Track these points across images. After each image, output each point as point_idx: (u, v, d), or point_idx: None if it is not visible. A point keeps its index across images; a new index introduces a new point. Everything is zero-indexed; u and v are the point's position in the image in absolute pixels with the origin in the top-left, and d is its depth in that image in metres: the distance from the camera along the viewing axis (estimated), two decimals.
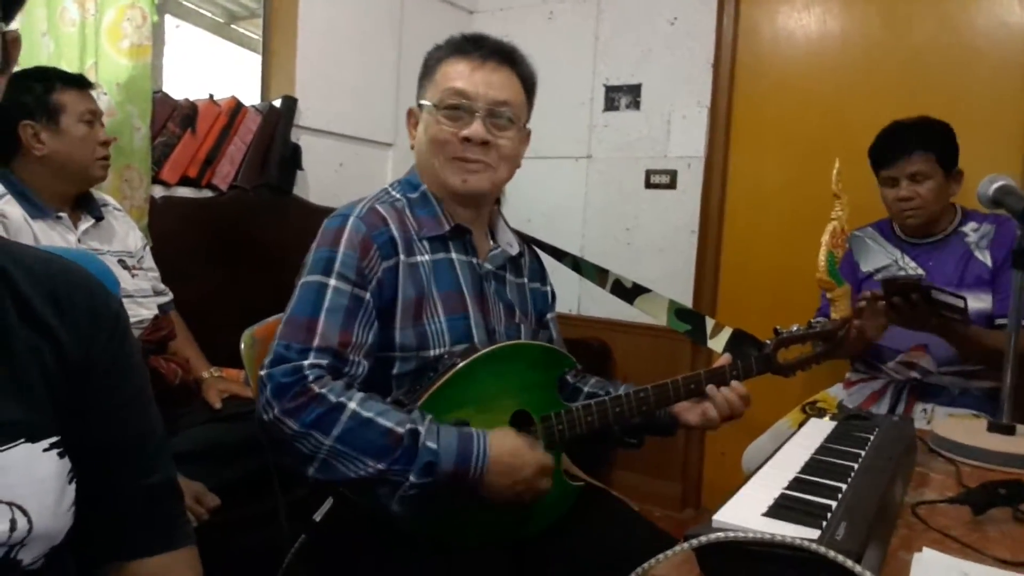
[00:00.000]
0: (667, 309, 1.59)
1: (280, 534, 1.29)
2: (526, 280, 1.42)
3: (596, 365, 2.97)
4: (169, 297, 2.03)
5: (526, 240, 1.49)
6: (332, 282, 1.14)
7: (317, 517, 1.12)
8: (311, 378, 1.07)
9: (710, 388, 1.31)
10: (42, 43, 2.00)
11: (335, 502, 1.12)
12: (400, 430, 1.06)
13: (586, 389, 1.44)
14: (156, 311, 1.92)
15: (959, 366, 1.93)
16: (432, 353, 1.19)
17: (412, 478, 1.05)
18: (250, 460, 1.70)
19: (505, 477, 1.10)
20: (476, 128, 1.23)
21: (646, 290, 1.60)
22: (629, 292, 1.61)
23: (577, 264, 1.60)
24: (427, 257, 1.24)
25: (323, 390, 1.07)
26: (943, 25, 2.61)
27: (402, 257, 1.20)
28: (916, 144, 1.94)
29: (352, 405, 1.07)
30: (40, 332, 0.72)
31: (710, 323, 1.57)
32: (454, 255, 1.28)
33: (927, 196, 1.95)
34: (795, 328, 1.42)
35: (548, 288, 1.49)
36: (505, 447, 1.10)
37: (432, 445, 1.06)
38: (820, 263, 1.44)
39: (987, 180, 1.32)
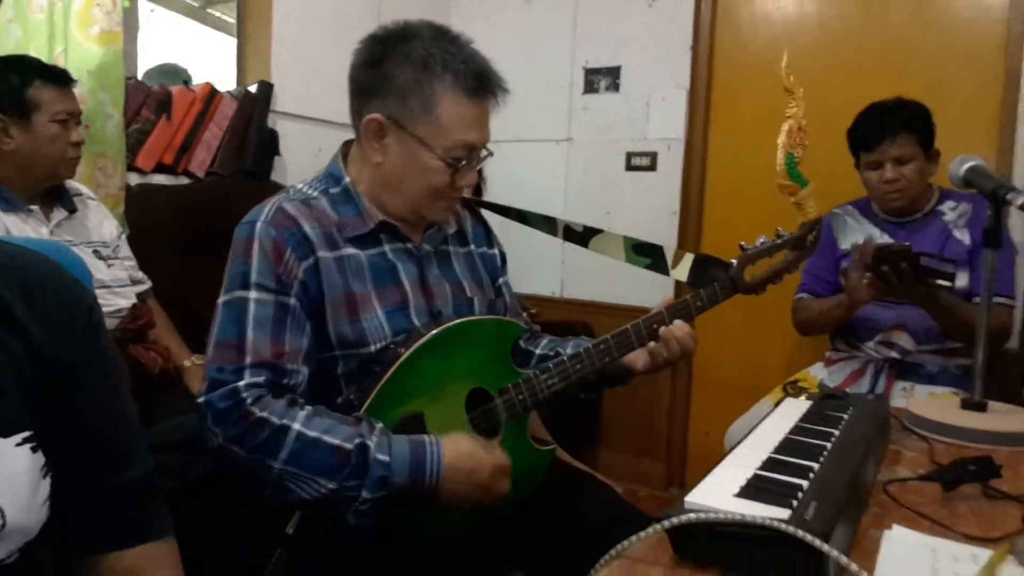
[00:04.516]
0: (623, 246, 1.56)
1: (262, 524, 1.29)
2: (472, 247, 1.38)
3: None
4: (147, 285, 2.01)
5: (466, 203, 1.43)
6: (252, 294, 1.10)
7: (289, 530, 1.11)
8: (250, 400, 1.04)
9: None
10: (9, 30, 1.96)
11: (304, 513, 1.11)
12: (348, 446, 1.04)
13: (538, 352, 1.41)
14: (134, 300, 1.90)
15: (938, 344, 1.95)
16: (373, 348, 1.15)
17: (365, 493, 1.04)
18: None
19: (462, 484, 1.08)
20: (473, 177, 1.22)
21: (598, 231, 1.57)
22: (582, 236, 1.58)
23: (523, 216, 1.57)
24: (353, 250, 1.19)
25: (264, 413, 1.04)
26: (920, 6, 2.61)
27: (320, 253, 1.14)
28: (899, 127, 1.96)
29: (296, 426, 1.04)
30: (10, 327, 0.72)
31: (669, 252, 1.53)
32: (386, 247, 1.23)
33: (912, 177, 1.97)
34: (761, 241, 1.38)
35: (496, 250, 1.43)
36: (460, 451, 1.08)
37: (383, 458, 1.04)
38: (779, 165, 1.36)
39: (958, 160, 1.33)
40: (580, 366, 1.25)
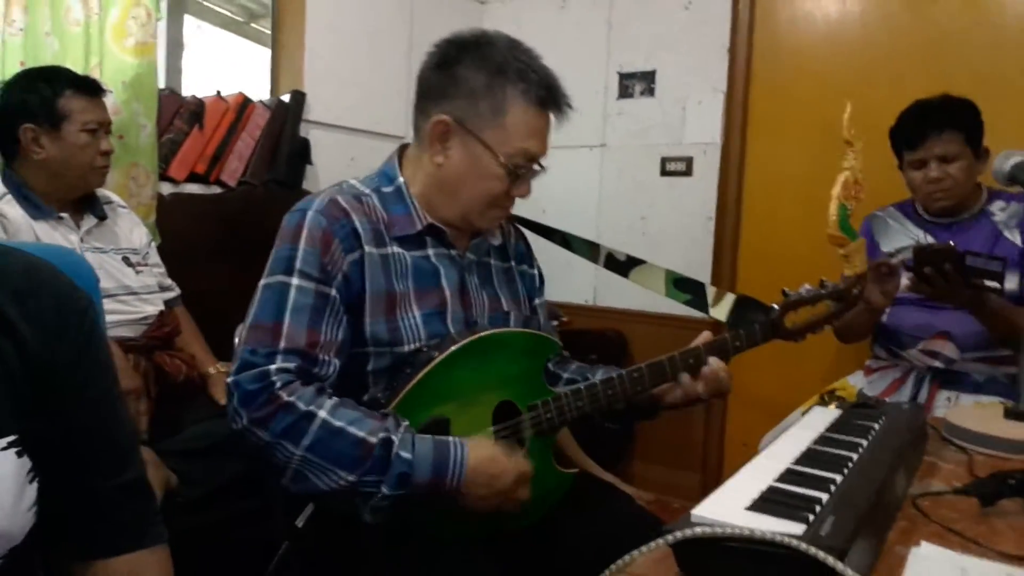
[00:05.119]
0: (664, 280, 1.54)
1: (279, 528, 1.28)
2: (513, 263, 1.37)
3: (613, 356, 2.93)
4: (176, 293, 2.03)
5: (512, 219, 1.44)
6: (294, 281, 1.10)
7: (299, 523, 1.09)
8: (279, 384, 1.03)
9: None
10: (46, 43, 2.00)
11: (316, 507, 1.10)
12: (372, 440, 1.03)
13: (565, 376, 1.39)
14: (162, 307, 1.92)
15: (984, 352, 1.86)
16: (407, 348, 1.15)
17: (385, 489, 1.02)
18: (254, 456, 1.69)
19: (483, 487, 1.06)
20: (528, 188, 1.23)
21: (640, 262, 1.54)
22: (623, 265, 1.56)
23: (567, 240, 1.55)
24: (399, 249, 1.19)
25: (292, 398, 1.03)
26: (967, 2, 2.51)
27: (367, 249, 1.14)
28: (944, 124, 1.87)
29: (322, 414, 1.03)
30: (1, 329, 0.71)
31: (711, 291, 1.50)
32: (431, 250, 1.23)
33: (958, 177, 1.88)
34: (805, 289, 1.35)
35: (535, 271, 1.43)
36: (483, 456, 1.07)
37: (406, 455, 1.03)
38: (831, 217, 1.33)
39: (1002, 156, 1.26)
40: (611, 391, 1.22)
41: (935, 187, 1.90)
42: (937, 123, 1.88)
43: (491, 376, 1.18)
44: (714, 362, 1.26)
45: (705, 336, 1.31)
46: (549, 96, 1.19)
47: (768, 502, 0.73)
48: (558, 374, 1.40)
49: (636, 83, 3.10)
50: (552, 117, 1.22)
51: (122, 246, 1.89)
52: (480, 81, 1.16)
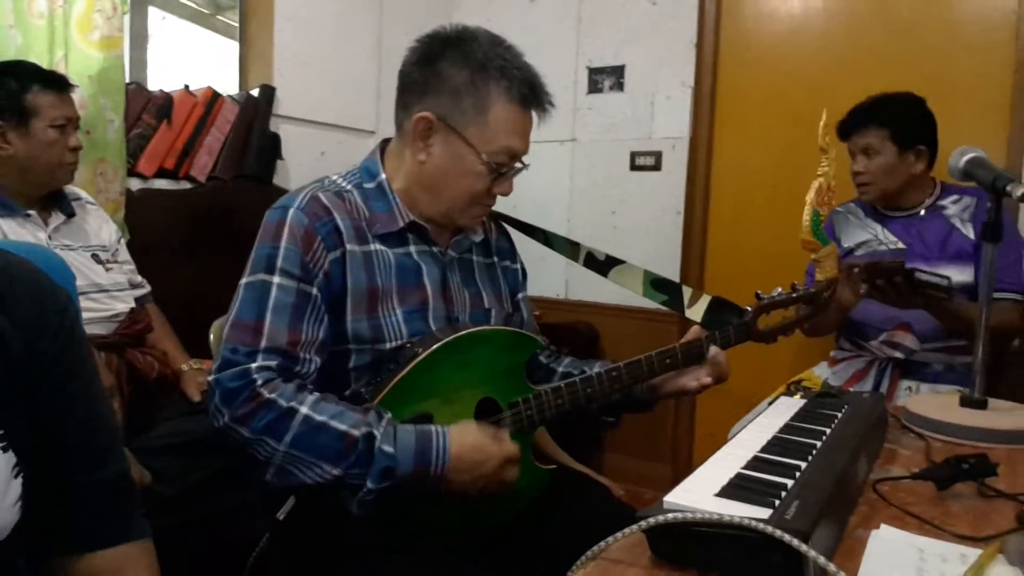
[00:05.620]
0: (642, 280, 1.57)
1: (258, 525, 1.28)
2: (495, 259, 1.38)
3: (585, 349, 2.96)
4: (146, 289, 2.02)
5: (494, 216, 1.44)
6: (276, 279, 1.10)
7: (281, 516, 1.10)
8: (260, 382, 1.04)
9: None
10: (9, 36, 1.97)
11: (298, 500, 1.11)
12: (355, 433, 1.03)
13: (560, 370, 1.41)
14: (133, 304, 1.90)
15: (943, 342, 1.92)
16: (388, 346, 1.16)
17: (370, 484, 1.03)
18: (229, 453, 1.69)
19: (468, 473, 1.07)
20: (510, 186, 1.23)
21: (620, 261, 1.57)
22: (602, 264, 1.58)
23: (548, 238, 1.58)
24: (381, 247, 1.19)
25: (273, 395, 1.03)
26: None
27: (349, 247, 1.15)
28: (870, 119, 1.96)
29: (304, 409, 1.04)
30: None
31: (687, 292, 1.54)
32: (412, 247, 1.23)
33: (875, 172, 1.96)
34: (777, 293, 1.39)
35: (518, 266, 1.44)
36: (466, 442, 1.08)
37: (388, 449, 1.04)
38: (804, 223, 1.37)
39: (958, 152, 1.30)
40: (590, 390, 1.24)
41: (856, 179, 2.00)
42: (862, 118, 1.96)
43: (473, 373, 1.19)
44: (715, 349, 1.30)
45: (688, 336, 1.34)
46: (532, 94, 1.19)
47: (736, 488, 0.76)
48: (553, 368, 1.42)
49: (605, 78, 3.13)
50: (534, 115, 1.22)
51: (91, 243, 1.87)
52: (463, 78, 1.16)
